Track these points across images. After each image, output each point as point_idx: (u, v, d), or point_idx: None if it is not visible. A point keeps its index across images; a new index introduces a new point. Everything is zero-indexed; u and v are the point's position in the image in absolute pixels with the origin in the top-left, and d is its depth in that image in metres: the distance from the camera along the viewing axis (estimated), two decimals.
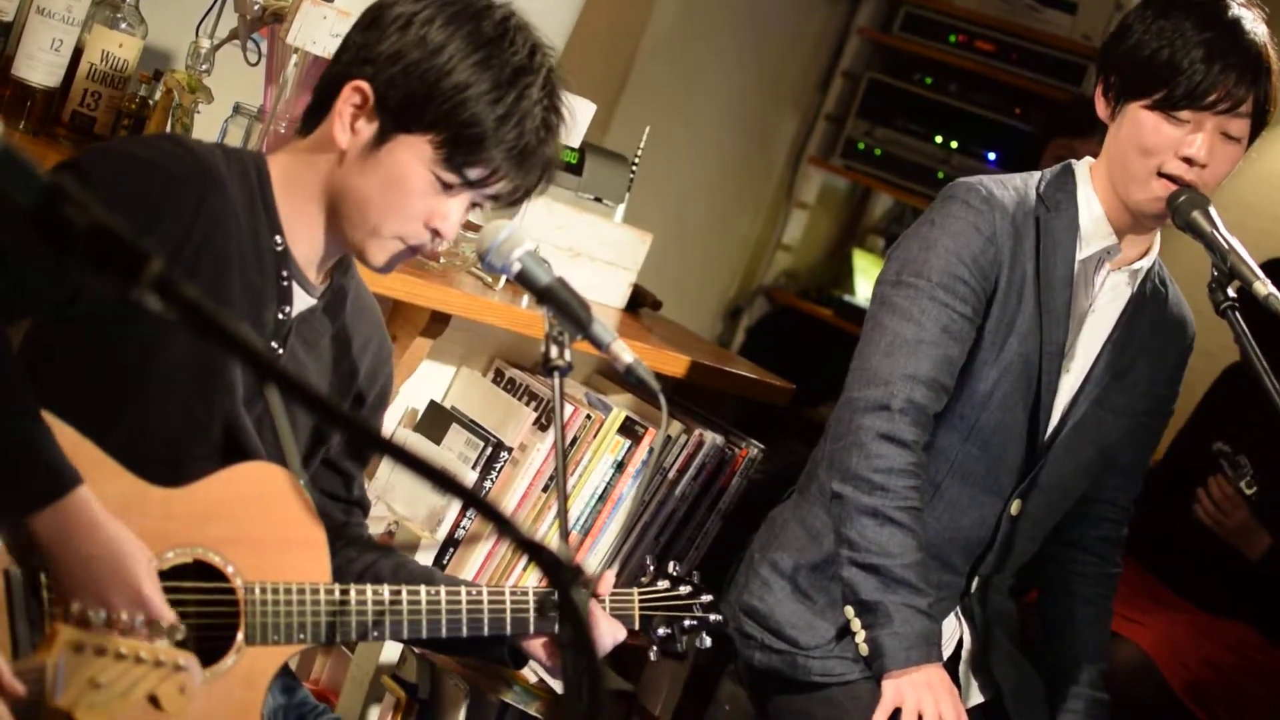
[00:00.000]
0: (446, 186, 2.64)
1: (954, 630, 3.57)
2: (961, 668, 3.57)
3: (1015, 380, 3.41)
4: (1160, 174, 3.28)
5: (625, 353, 2.72)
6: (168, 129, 3.49)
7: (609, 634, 2.96)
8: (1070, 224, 3.41)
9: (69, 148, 3.37)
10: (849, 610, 3.36)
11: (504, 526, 1.56)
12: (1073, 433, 3.51)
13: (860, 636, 3.33)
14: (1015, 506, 3.50)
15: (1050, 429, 3.50)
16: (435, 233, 2.68)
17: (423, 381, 4.02)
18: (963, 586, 3.56)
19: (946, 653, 3.51)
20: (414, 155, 2.63)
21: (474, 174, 2.64)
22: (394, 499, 3.89)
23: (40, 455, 2.34)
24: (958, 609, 3.57)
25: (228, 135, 3.62)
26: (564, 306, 2.66)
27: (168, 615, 2.42)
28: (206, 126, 3.62)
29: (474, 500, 1.56)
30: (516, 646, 2.96)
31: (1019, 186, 3.46)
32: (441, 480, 1.53)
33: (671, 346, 4.11)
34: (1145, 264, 3.48)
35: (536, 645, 2.94)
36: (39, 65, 3.34)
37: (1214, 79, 3.21)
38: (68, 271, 2.43)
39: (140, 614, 2.31)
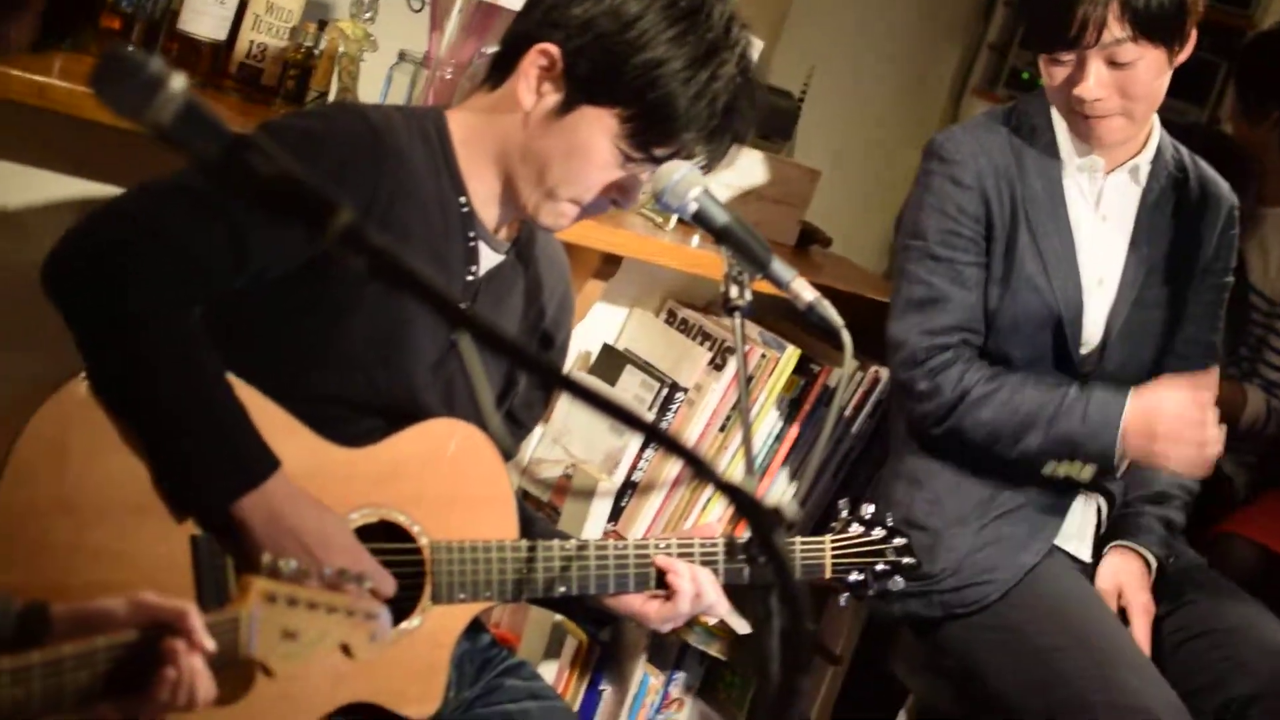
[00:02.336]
0: (629, 160, 2.61)
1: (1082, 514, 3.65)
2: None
3: (1034, 307, 3.48)
4: (1074, 111, 3.41)
5: (806, 290, 2.67)
6: (334, 79, 3.47)
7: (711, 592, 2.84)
8: (1049, 144, 3.52)
9: (237, 100, 3.36)
10: (1059, 467, 3.45)
11: (705, 472, 1.52)
12: (1120, 340, 3.54)
13: (1078, 468, 3.44)
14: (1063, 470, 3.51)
15: (1096, 343, 3.54)
16: (614, 202, 2.65)
17: (595, 324, 4.00)
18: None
19: (1089, 534, 3.66)
20: (599, 128, 2.58)
21: (661, 152, 2.60)
22: (570, 442, 3.87)
23: (241, 442, 2.37)
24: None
25: (393, 83, 3.60)
26: (743, 245, 2.61)
27: (387, 578, 2.43)
28: (371, 75, 3.60)
29: (680, 450, 1.53)
30: (599, 606, 2.89)
31: (992, 124, 3.59)
32: (651, 431, 1.50)
33: (843, 283, 4.05)
34: (1144, 158, 3.53)
35: (634, 602, 2.85)
36: (205, 18, 3.33)
37: (1061, 18, 3.29)
38: (260, 245, 2.44)
39: (333, 566, 2.30)
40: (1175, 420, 3.30)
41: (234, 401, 2.38)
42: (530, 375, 2.88)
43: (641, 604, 2.83)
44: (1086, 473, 3.43)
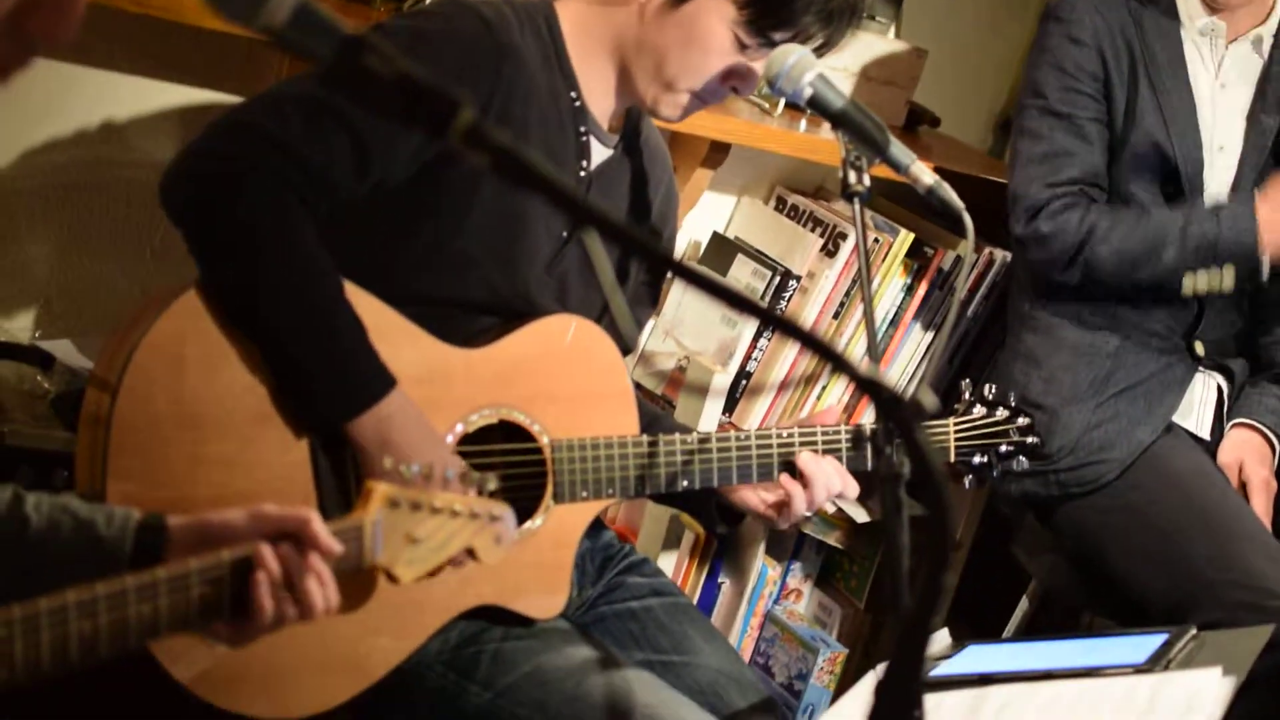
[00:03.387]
0: (747, 46, 2.55)
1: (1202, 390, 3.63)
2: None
3: (1155, 163, 3.45)
4: None
5: (925, 174, 2.63)
6: None
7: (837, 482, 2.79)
8: (1169, 6, 3.47)
9: (338, 1, 3.32)
10: (1199, 281, 3.42)
11: (840, 364, 1.48)
12: None
13: (1218, 277, 3.41)
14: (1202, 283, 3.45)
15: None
16: (733, 90, 2.60)
17: (704, 213, 3.95)
18: (1188, 357, 3.59)
19: (1209, 411, 3.63)
20: (716, 15, 2.54)
21: (780, 36, 2.56)
22: (682, 334, 3.83)
23: (358, 362, 2.36)
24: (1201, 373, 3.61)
25: None
26: (860, 129, 2.57)
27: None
28: None
29: (813, 342, 1.48)
30: (721, 504, 2.85)
31: None
32: (784, 324, 1.46)
33: (953, 163, 3.98)
34: (1269, 29, 3.49)
35: (750, 495, 2.81)
36: None
37: None
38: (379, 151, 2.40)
39: (453, 467, 2.28)
40: None
41: (353, 319, 2.36)
42: (642, 268, 2.85)
43: (765, 506, 2.80)
44: (1228, 280, 3.37)
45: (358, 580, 2.17)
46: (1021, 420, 3.00)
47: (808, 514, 2.77)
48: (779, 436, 2.73)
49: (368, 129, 2.35)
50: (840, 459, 2.77)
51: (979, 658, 2.64)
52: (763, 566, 4.06)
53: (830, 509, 3.97)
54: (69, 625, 1.71)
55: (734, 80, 2.59)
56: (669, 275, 3.12)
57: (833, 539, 4.13)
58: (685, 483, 2.67)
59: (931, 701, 1.59)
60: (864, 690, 2.37)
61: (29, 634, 1.66)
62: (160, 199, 2.37)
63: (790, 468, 2.73)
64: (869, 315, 2.52)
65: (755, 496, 2.79)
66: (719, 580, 4.08)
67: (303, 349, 2.33)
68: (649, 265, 2.86)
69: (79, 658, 1.72)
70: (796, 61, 2.57)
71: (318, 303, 2.34)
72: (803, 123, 3.77)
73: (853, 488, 2.78)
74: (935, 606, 1.51)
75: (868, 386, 1.47)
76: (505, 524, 2.28)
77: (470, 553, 2.25)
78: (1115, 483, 3.44)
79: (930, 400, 1.50)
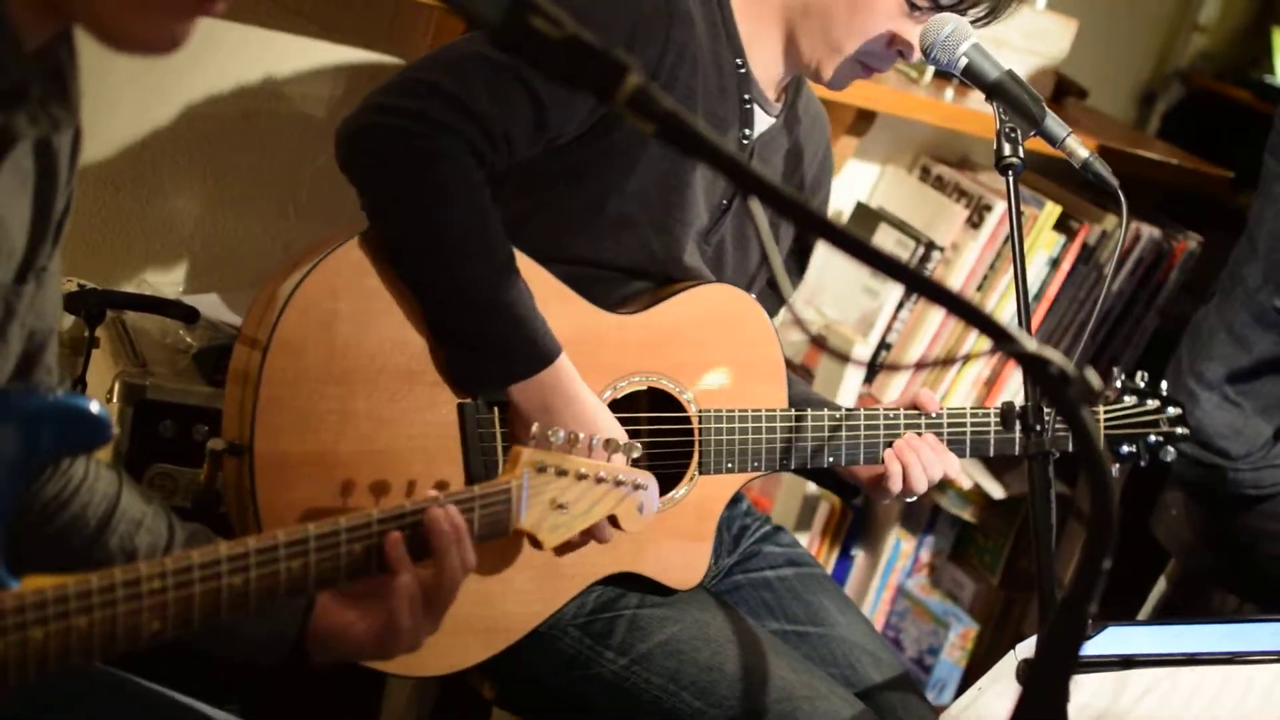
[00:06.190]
0: (916, 9, 2.52)
1: None
2: None
3: None
4: None
5: (1080, 148, 2.59)
6: None
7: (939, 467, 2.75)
8: None
9: None
10: None
11: (1003, 339, 1.45)
12: None
13: None
14: None
15: None
16: (899, 54, 2.58)
17: (848, 181, 3.93)
18: None
19: None
20: None
21: (947, 0, 2.52)
22: (824, 303, 3.81)
23: (528, 328, 2.35)
24: None
25: None
26: (1016, 101, 2.54)
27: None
28: None
29: (977, 315, 1.46)
30: (851, 475, 2.82)
31: None
32: (952, 298, 1.44)
33: (1099, 136, 3.93)
34: None
35: (863, 472, 2.79)
36: None
37: None
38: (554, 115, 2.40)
39: (598, 434, 2.27)
40: None
41: (523, 284, 2.36)
42: (790, 236, 2.83)
43: (874, 484, 2.78)
44: None
45: (502, 544, 2.16)
46: (1172, 410, 2.95)
47: (907, 498, 2.75)
48: (926, 418, 2.70)
49: (545, 89, 2.34)
50: (988, 443, 2.74)
51: (1119, 639, 2.60)
52: (897, 540, 4.04)
53: (965, 484, 3.95)
54: (220, 579, 1.72)
55: (899, 44, 2.56)
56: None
57: (967, 514, 4.11)
58: (830, 458, 2.65)
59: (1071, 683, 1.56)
60: (1002, 673, 2.34)
61: (181, 586, 1.67)
62: (338, 149, 2.36)
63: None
64: (1022, 289, 2.48)
65: (870, 474, 2.77)
66: (852, 552, 4.07)
67: (475, 311, 2.32)
68: (798, 235, 2.84)
69: (229, 611, 1.73)
70: (953, 30, 2.54)
71: (496, 264, 2.33)
72: (949, 91, 3.73)
73: (954, 466, 2.76)
74: (1094, 592, 1.48)
75: (1033, 363, 1.45)
76: (648, 493, 2.27)
77: (612, 520, 2.25)
78: None
79: (1097, 381, 1.47)
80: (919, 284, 1.50)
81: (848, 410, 2.69)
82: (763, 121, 2.65)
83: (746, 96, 2.60)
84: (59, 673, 1.56)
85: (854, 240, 1.49)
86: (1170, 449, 2.94)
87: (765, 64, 2.62)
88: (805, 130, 2.78)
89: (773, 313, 2.81)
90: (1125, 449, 2.92)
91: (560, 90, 2.33)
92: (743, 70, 2.59)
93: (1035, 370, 1.46)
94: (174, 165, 3.28)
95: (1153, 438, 2.94)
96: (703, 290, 2.58)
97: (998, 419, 2.74)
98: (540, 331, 2.35)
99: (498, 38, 1.41)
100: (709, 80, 2.53)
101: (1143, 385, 2.94)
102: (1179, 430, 2.95)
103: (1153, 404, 2.94)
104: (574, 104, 2.39)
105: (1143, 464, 2.95)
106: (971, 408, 2.75)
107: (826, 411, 2.65)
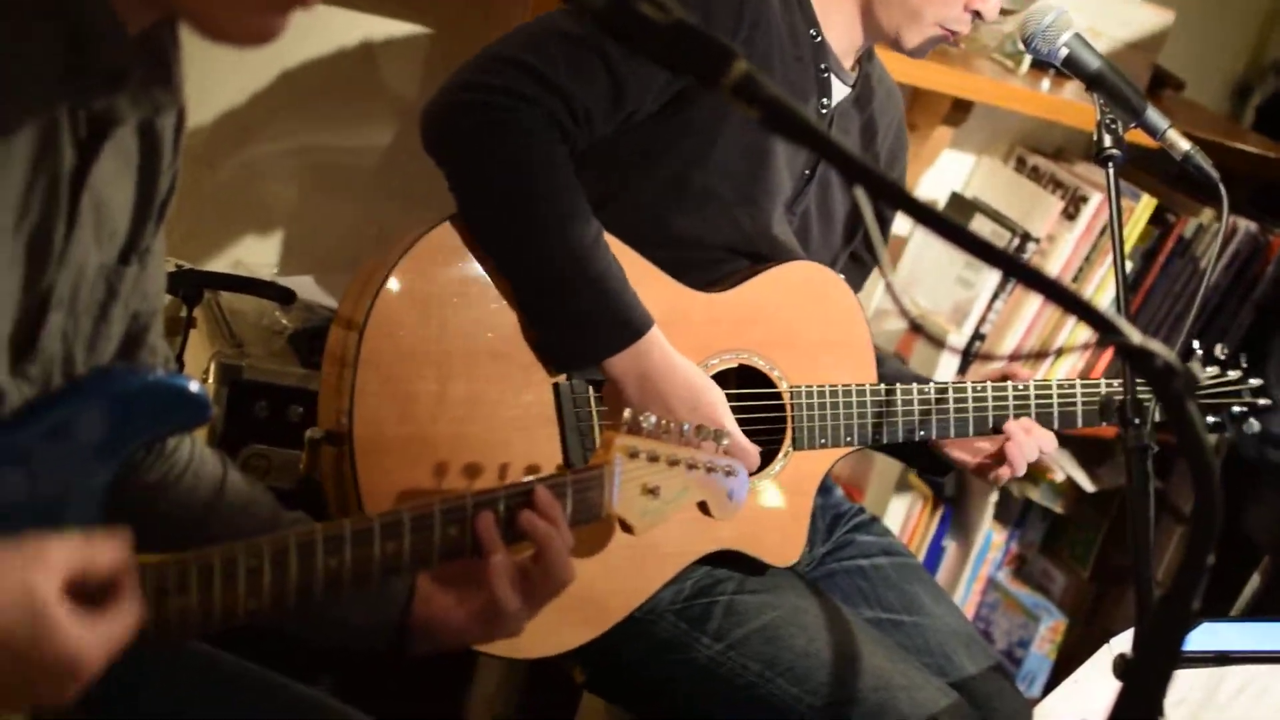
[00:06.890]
0: None
1: None
2: None
3: None
4: None
5: (1181, 140, 2.58)
6: None
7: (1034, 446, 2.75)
8: None
9: None
10: None
11: (1109, 331, 1.44)
12: None
13: None
14: None
15: None
16: (976, 14, 2.56)
17: (943, 171, 3.90)
18: None
19: None
20: None
21: None
22: (918, 293, 3.79)
23: (620, 300, 2.35)
24: None
25: None
26: (1117, 92, 2.53)
27: (750, 450, 2.40)
28: None
29: (1081, 305, 1.44)
30: (937, 453, 2.82)
31: None
32: (1053, 286, 1.43)
33: (1195, 128, 3.89)
34: None
35: (963, 451, 2.79)
36: None
37: None
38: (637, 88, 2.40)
39: (691, 422, 2.27)
40: None
41: (612, 257, 2.36)
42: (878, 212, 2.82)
43: (978, 464, 2.77)
44: None
45: (594, 528, 2.17)
46: (1254, 380, 2.92)
47: (1005, 480, 2.74)
48: (1015, 390, 2.70)
49: (624, 66, 2.34)
50: (1075, 419, 2.73)
51: (1213, 635, 2.58)
52: (988, 532, 4.02)
53: (1058, 477, 3.92)
54: (316, 559, 1.72)
55: (975, 3, 2.54)
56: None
57: (1059, 506, 4.08)
58: (924, 433, 2.65)
59: None
60: (1097, 667, 2.32)
61: (278, 566, 1.68)
62: (423, 131, 2.37)
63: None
64: (1122, 282, 2.46)
65: (969, 451, 2.77)
66: (942, 544, 4.05)
67: (567, 287, 2.32)
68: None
69: (324, 592, 1.74)
70: (1054, 20, 2.53)
71: (584, 239, 2.33)
72: (1045, 82, 3.70)
73: (1051, 445, 2.75)
74: (1197, 588, 1.46)
75: (1139, 356, 1.43)
76: (738, 480, 2.27)
77: (702, 507, 2.25)
78: None
79: (1201, 374, 1.45)
80: (1026, 274, 1.49)
81: (937, 384, 2.68)
82: (840, 90, 2.65)
83: (823, 66, 2.59)
84: (151, 652, 1.57)
85: (957, 228, 1.48)
86: (1254, 421, 2.91)
87: (841, 33, 2.61)
88: (878, 102, 2.77)
89: (857, 288, 2.81)
90: (1210, 420, 2.89)
91: (639, 67, 2.33)
92: (818, 40, 2.57)
93: (1140, 363, 1.44)
94: (271, 147, 3.29)
95: (1236, 409, 2.90)
96: (789, 267, 2.57)
97: (1101, 407, 2.72)
98: (632, 304, 2.36)
99: (603, 21, 1.41)
100: (785, 51, 2.52)
101: (1224, 357, 2.91)
102: (1261, 401, 2.91)
103: (1233, 374, 2.90)
104: (651, 78, 2.38)
105: (1228, 435, 2.92)
106: (1060, 382, 2.74)
107: (916, 386, 2.64)
